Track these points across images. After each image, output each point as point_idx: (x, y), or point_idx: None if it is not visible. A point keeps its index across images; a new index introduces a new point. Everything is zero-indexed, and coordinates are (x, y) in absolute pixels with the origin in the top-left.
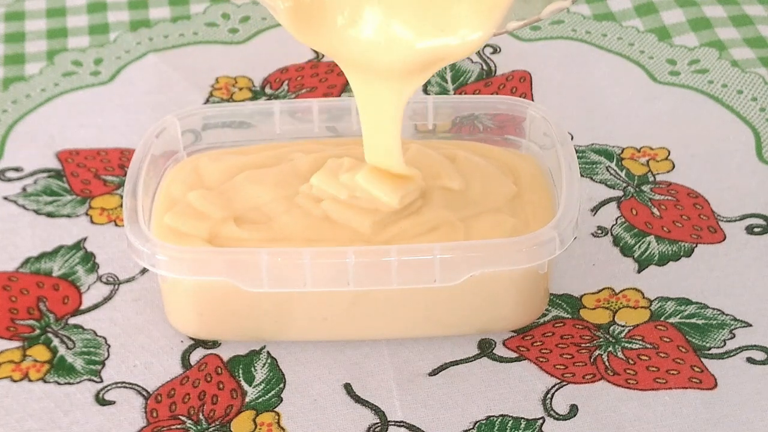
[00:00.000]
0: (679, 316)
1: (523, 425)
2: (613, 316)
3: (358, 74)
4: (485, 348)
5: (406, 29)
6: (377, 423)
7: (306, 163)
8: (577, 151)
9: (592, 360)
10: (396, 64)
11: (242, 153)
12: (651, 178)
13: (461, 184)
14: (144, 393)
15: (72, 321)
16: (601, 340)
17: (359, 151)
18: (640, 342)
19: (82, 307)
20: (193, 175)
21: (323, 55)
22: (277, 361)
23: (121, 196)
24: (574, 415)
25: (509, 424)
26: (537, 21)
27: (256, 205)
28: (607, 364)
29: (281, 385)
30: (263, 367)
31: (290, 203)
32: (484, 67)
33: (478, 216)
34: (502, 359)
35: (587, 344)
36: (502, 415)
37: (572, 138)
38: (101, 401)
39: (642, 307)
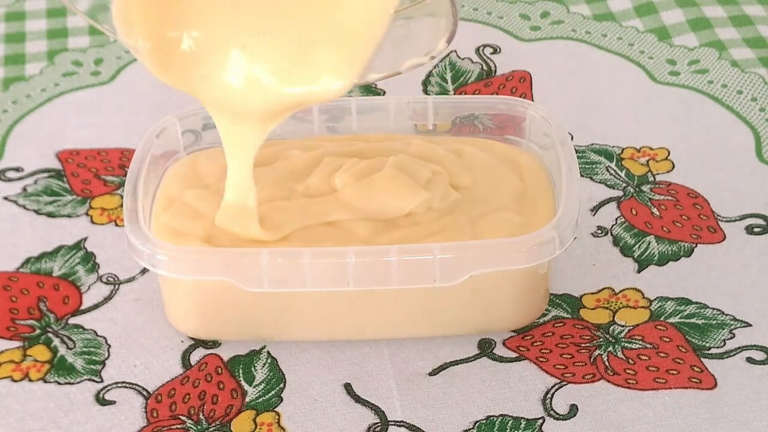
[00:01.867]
0: (678, 316)
1: (523, 425)
2: (613, 316)
3: (220, 115)
4: (485, 348)
5: (270, 75)
6: (377, 423)
7: (303, 161)
8: (577, 151)
9: (592, 360)
10: (258, 107)
11: None
12: (651, 178)
13: (469, 180)
14: (144, 393)
15: (72, 321)
16: (601, 340)
17: (356, 148)
18: (640, 342)
19: (83, 307)
20: (190, 173)
21: None
22: (277, 361)
23: (122, 196)
24: (574, 415)
25: (509, 424)
26: (396, 74)
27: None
28: (607, 364)
29: (281, 385)
30: (263, 367)
31: (287, 201)
32: (484, 68)
33: (485, 215)
34: (502, 359)
35: (587, 344)
36: (502, 415)
37: (572, 138)
38: (101, 401)
39: (642, 307)
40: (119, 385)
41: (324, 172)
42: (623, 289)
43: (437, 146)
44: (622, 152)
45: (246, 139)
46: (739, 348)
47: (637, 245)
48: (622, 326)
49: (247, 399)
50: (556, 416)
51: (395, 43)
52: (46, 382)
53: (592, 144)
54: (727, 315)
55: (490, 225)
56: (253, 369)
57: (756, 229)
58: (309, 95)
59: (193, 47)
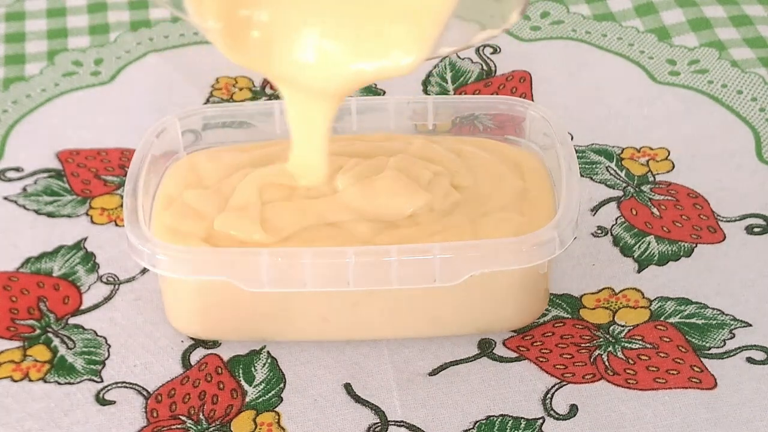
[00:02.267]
0: (678, 316)
1: (523, 425)
2: (613, 316)
3: (290, 91)
4: (485, 348)
5: (341, 51)
6: (377, 423)
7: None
8: (577, 151)
9: (591, 360)
10: (330, 84)
11: (239, 150)
12: (651, 178)
13: (470, 180)
14: (144, 393)
15: (72, 321)
16: (601, 340)
17: (356, 148)
18: (640, 342)
19: (83, 307)
20: (190, 173)
21: None
22: (277, 361)
23: (122, 196)
24: (574, 415)
25: (509, 424)
26: (469, 47)
27: (252, 203)
28: (606, 364)
29: (281, 385)
30: (263, 367)
31: (287, 202)
32: (484, 67)
33: (485, 215)
34: (502, 359)
35: (587, 344)
36: (502, 415)
37: (572, 138)
38: (101, 401)
39: (642, 307)
40: (119, 385)
41: None
42: (623, 289)
43: (438, 146)
44: (622, 152)
45: (317, 117)
46: (739, 348)
47: (637, 245)
48: (622, 326)
49: (247, 399)
50: (556, 416)
51: (467, 16)
52: (46, 382)
53: (592, 144)
54: (727, 315)
55: (491, 225)
56: (253, 369)
57: (756, 229)
58: (381, 71)
59: (265, 26)
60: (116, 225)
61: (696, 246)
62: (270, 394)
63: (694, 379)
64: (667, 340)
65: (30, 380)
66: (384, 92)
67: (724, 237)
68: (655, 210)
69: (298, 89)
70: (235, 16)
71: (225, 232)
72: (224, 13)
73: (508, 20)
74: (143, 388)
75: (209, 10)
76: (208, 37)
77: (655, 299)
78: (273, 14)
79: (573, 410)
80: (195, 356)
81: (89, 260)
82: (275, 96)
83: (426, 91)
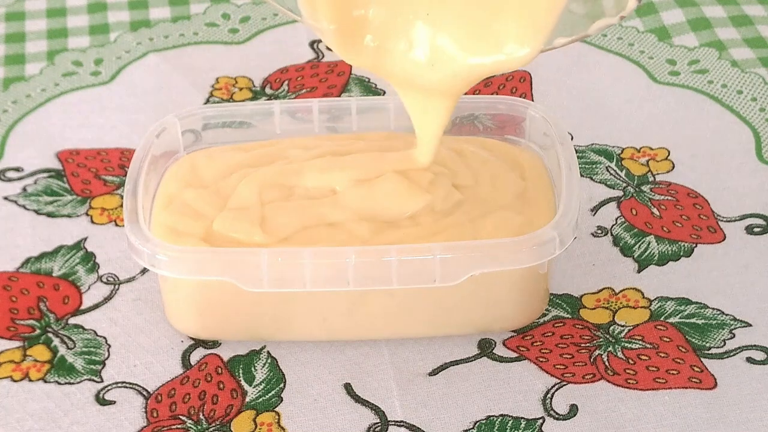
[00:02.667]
0: (678, 316)
1: (523, 425)
2: (613, 316)
3: (407, 90)
4: (485, 348)
5: (454, 48)
6: (377, 423)
7: (302, 160)
8: (577, 151)
9: (591, 360)
10: (445, 81)
11: (239, 150)
12: (651, 178)
13: (471, 179)
14: (144, 393)
15: (72, 321)
16: (601, 340)
17: (355, 147)
18: (640, 342)
19: (83, 307)
20: (190, 172)
21: (323, 56)
22: (277, 361)
23: (122, 196)
24: (574, 415)
25: (509, 424)
26: (585, 37)
27: (252, 203)
28: (606, 364)
29: (281, 385)
30: (263, 367)
31: (287, 202)
32: None
33: (486, 215)
34: (502, 359)
35: (587, 344)
36: (502, 415)
37: (572, 138)
38: (101, 401)
39: (642, 307)
40: (119, 385)
41: (323, 170)
42: (623, 289)
43: (438, 145)
44: (622, 152)
45: (435, 113)
46: (739, 348)
47: (637, 245)
48: (622, 326)
49: (247, 399)
50: (556, 416)
51: (582, 5)
52: (46, 382)
53: (592, 144)
54: (727, 315)
55: (492, 225)
56: (253, 369)
57: (756, 229)
58: (495, 65)
59: (378, 25)
60: (116, 225)
61: (696, 246)
62: (270, 394)
63: (694, 379)
64: (667, 340)
65: (30, 380)
66: (384, 92)
67: (724, 237)
68: (655, 210)
69: (414, 88)
70: (348, 16)
71: (224, 233)
72: (337, 15)
73: (626, 8)
74: (143, 388)
75: (322, 11)
76: (323, 39)
77: (655, 299)
78: (386, 14)
79: (573, 410)
80: (195, 356)
81: (89, 260)
82: (275, 96)
83: None
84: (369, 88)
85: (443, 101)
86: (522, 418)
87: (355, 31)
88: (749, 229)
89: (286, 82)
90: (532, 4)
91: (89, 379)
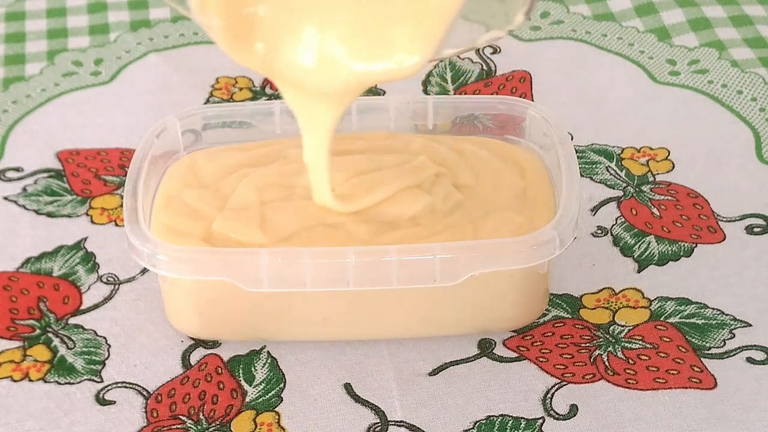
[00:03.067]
0: (678, 316)
1: (523, 425)
2: (613, 316)
3: (294, 93)
4: (485, 348)
5: (345, 53)
6: (377, 423)
7: (302, 160)
8: (577, 151)
9: (592, 360)
10: (333, 86)
11: (239, 150)
12: (651, 178)
13: (471, 179)
14: (144, 393)
15: (72, 321)
16: (601, 340)
17: (354, 147)
18: (640, 342)
19: (83, 307)
20: (189, 172)
21: None
22: (277, 361)
23: (122, 196)
24: (574, 415)
25: (509, 424)
26: (472, 49)
27: (251, 204)
28: (607, 364)
29: (281, 385)
30: (263, 367)
31: (287, 202)
32: (484, 67)
33: (487, 215)
34: (502, 359)
35: (587, 344)
36: (502, 415)
37: (572, 138)
38: (101, 401)
39: (642, 307)
40: (119, 385)
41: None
42: (623, 289)
43: (439, 145)
44: (622, 152)
45: (321, 118)
46: (739, 348)
47: (637, 245)
48: (622, 326)
49: (247, 399)
50: (556, 416)
51: (471, 17)
52: (46, 382)
53: (592, 144)
54: (727, 315)
55: (492, 225)
56: (253, 369)
57: (756, 229)
58: (385, 73)
59: (268, 25)
60: (116, 225)
61: (696, 246)
62: (270, 394)
63: (694, 379)
64: (667, 340)
65: (30, 380)
66: (384, 92)
67: (724, 237)
68: (655, 210)
69: (301, 91)
70: (238, 14)
71: (224, 234)
72: (227, 12)
73: (513, 21)
74: (143, 388)
75: (212, 7)
76: (211, 36)
77: (655, 299)
78: (276, 14)
79: (573, 410)
80: (195, 356)
81: (89, 260)
82: (275, 96)
83: (426, 91)
84: (369, 88)
85: (330, 107)
86: (522, 418)
87: (244, 30)
88: (749, 229)
89: None
90: (424, 14)
91: (89, 379)
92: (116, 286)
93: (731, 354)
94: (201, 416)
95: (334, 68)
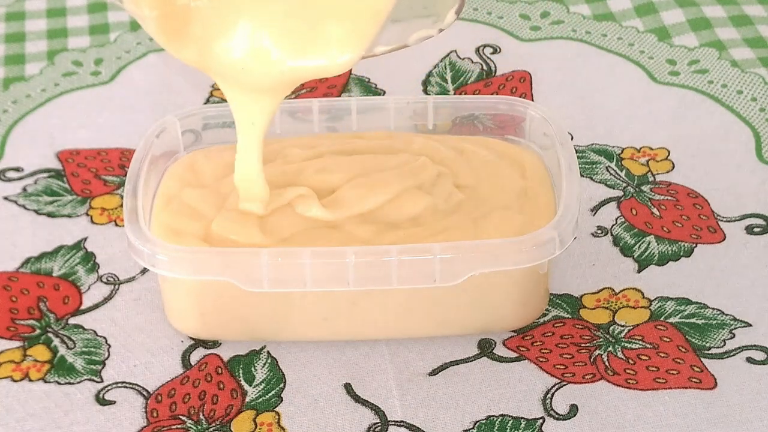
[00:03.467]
0: (679, 316)
1: (523, 425)
2: (613, 316)
3: (228, 88)
4: (485, 348)
5: (277, 48)
6: (377, 423)
7: (301, 160)
8: (577, 151)
9: (592, 360)
10: (265, 80)
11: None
12: (651, 178)
13: (472, 179)
14: (144, 393)
15: (72, 321)
16: (601, 340)
17: (355, 146)
18: (640, 342)
19: (83, 307)
20: (189, 172)
21: None
22: (277, 361)
23: (122, 196)
24: (574, 415)
25: (509, 424)
26: (404, 47)
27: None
28: (607, 364)
29: (281, 385)
30: (263, 367)
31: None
32: (484, 67)
33: (487, 214)
34: (502, 359)
35: (587, 344)
36: (502, 415)
37: (572, 138)
38: (101, 401)
39: (642, 307)
40: (119, 385)
41: (323, 169)
42: (623, 289)
43: (439, 144)
44: (622, 152)
45: (255, 112)
46: (739, 348)
47: (637, 245)
48: (622, 326)
49: (247, 399)
50: (556, 416)
51: (404, 15)
52: (46, 382)
53: (592, 144)
54: (727, 315)
55: (493, 224)
56: (253, 369)
57: (756, 229)
58: (316, 69)
59: (202, 17)
60: (116, 225)
61: (696, 246)
62: (270, 394)
63: (694, 379)
64: (667, 340)
65: (30, 380)
66: (384, 92)
67: (724, 237)
68: (655, 210)
69: (235, 85)
70: (170, 4)
71: (223, 234)
72: (159, 1)
73: (444, 20)
74: (143, 388)
75: None
76: (145, 28)
77: (655, 299)
78: (209, 5)
79: (573, 410)
80: (195, 356)
81: (89, 260)
82: None
83: (426, 91)
84: (369, 88)
85: (264, 102)
86: (522, 418)
87: (178, 21)
88: (749, 229)
89: None
90: (357, 12)
91: (89, 379)
92: (116, 286)
93: (731, 354)
94: (201, 416)
95: (266, 63)
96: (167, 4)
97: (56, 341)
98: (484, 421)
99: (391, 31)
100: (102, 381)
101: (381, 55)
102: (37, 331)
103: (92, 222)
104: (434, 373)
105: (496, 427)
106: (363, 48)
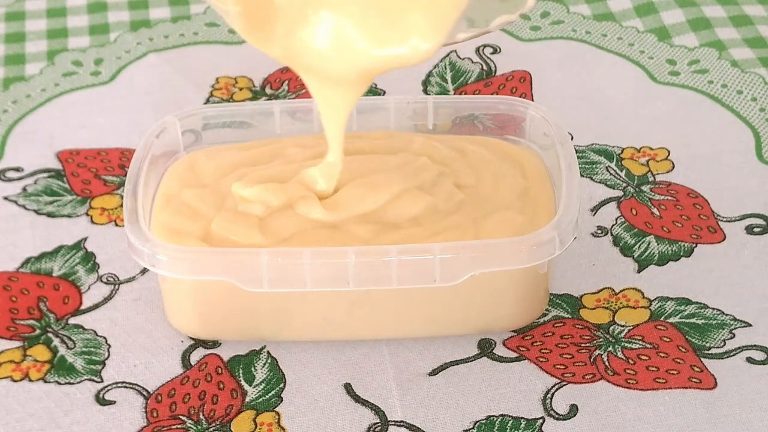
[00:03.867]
0: (679, 316)
1: (523, 425)
2: (613, 316)
3: (311, 79)
4: (485, 348)
5: (359, 38)
6: (377, 423)
7: (301, 159)
8: (577, 151)
9: (592, 360)
10: (347, 71)
11: (238, 149)
12: (651, 178)
13: (472, 178)
14: (144, 393)
15: (72, 321)
16: (601, 340)
17: (355, 146)
18: (640, 342)
19: (83, 307)
20: (189, 172)
21: None
22: (277, 361)
23: (122, 196)
24: (574, 415)
25: (509, 424)
26: (486, 33)
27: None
28: (607, 364)
29: (281, 385)
30: (263, 367)
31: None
32: (484, 67)
33: (488, 215)
34: (502, 359)
35: (587, 344)
36: (502, 415)
37: (572, 138)
38: (101, 401)
39: (642, 307)
40: (119, 385)
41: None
42: (623, 289)
43: (439, 144)
44: (622, 152)
45: (338, 102)
46: (739, 348)
47: (637, 245)
48: (622, 326)
49: (247, 399)
50: (556, 416)
51: (483, 2)
52: (46, 382)
53: (592, 144)
54: (727, 315)
55: (494, 224)
56: (253, 369)
57: (756, 229)
58: (398, 57)
59: (286, 10)
60: (116, 225)
61: (696, 246)
62: (270, 394)
63: (694, 379)
64: (667, 340)
65: (30, 380)
66: (384, 92)
67: (724, 237)
68: (655, 210)
69: (317, 76)
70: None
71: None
72: None
73: (526, 5)
74: (143, 388)
75: None
76: (227, 21)
77: (655, 299)
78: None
79: (573, 410)
80: (195, 356)
81: (89, 260)
82: (275, 96)
83: (426, 91)
84: (369, 88)
85: (346, 93)
86: (522, 418)
87: (262, 16)
88: (749, 229)
89: (286, 82)
90: (436, 1)
91: (89, 379)
92: (116, 286)
93: (731, 354)
94: (201, 416)
95: (348, 53)
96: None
97: (56, 341)
98: (484, 421)
99: (472, 17)
100: (102, 381)
101: (462, 42)
102: (37, 331)
103: (92, 222)
104: (434, 373)
105: (496, 427)
106: (444, 36)
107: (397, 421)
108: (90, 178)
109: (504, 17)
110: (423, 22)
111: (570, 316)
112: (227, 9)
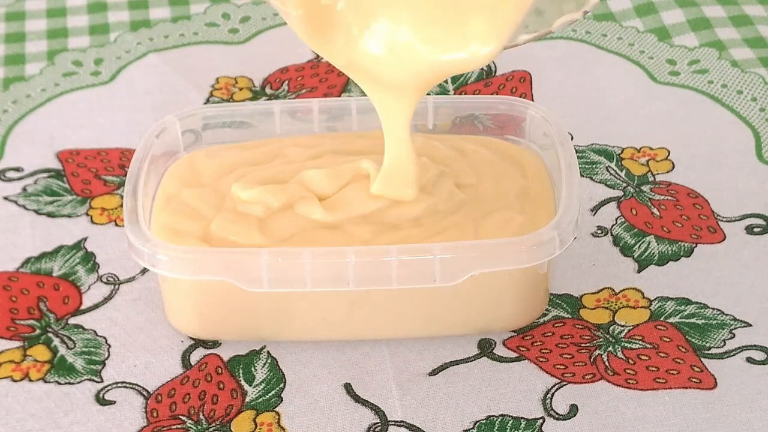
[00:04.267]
0: (679, 316)
1: (523, 425)
2: (613, 316)
3: (369, 85)
4: (485, 348)
5: (419, 44)
6: (377, 423)
7: (302, 159)
8: (577, 151)
9: (592, 360)
10: (405, 77)
11: (238, 149)
12: (651, 178)
13: (473, 178)
14: (144, 393)
15: (72, 321)
16: (601, 340)
17: (354, 146)
18: (640, 342)
19: (83, 307)
20: (189, 172)
21: None
22: (277, 361)
23: (122, 196)
24: (574, 415)
25: (509, 424)
26: (548, 33)
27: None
28: (606, 364)
29: (281, 385)
30: (263, 367)
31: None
32: (484, 67)
33: (488, 214)
34: (502, 359)
35: (587, 344)
36: (502, 415)
37: (572, 138)
38: (101, 401)
39: (642, 307)
40: (119, 385)
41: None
42: (623, 289)
43: (440, 144)
44: (622, 152)
45: (397, 108)
46: (739, 348)
47: (637, 245)
48: (622, 326)
49: (247, 399)
50: (556, 416)
51: (546, 1)
52: (46, 382)
53: (592, 144)
54: (727, 315)
55: (494, 224)
56: (253, 369)
57: (756, 229)
58: (458, 63)
59: (345, 16)
60: (116, 225)
61: (696, 246)
62: (270, 394)
63: (694, 379)
64: (667, 340)
65: (30, 380)
66: None
67: (724, 237)
68: (655, 210)
69: (376, 82)
70: (316, 3)
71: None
72: (304, 0)
73: (589, 3)
74: (143, 388)
75: None
76: (289, 24)
77: (655, 299)
78: (352, 4)
79: (573, 410)
80: (195, 356)
81: (89, 260)
82: (275, 96)
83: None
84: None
85: (405, 99)
86: (522, 418)
87: (323, 20)
88: (749, 229)
89: (286, 82)
90: (499, 5)
91: (89, 379)
92: (116, 286)
93: (731, 354)
94: (201, 416)
95: (408, 58)
96: (311, 4)
97: (56, 341)
98: (484, 421)
99: (535, 19)
100: (102, 381)
101: (524, 45)
102: (37, 331)
103: (92, 222)
104: (434, 373)
105: (496, 427)
106: (505, 39)
107: (397, 421)
108: (90, 178)
109: (567, 16)
110: (482, 27)
111: (570, 316)
112: (288, 11)
